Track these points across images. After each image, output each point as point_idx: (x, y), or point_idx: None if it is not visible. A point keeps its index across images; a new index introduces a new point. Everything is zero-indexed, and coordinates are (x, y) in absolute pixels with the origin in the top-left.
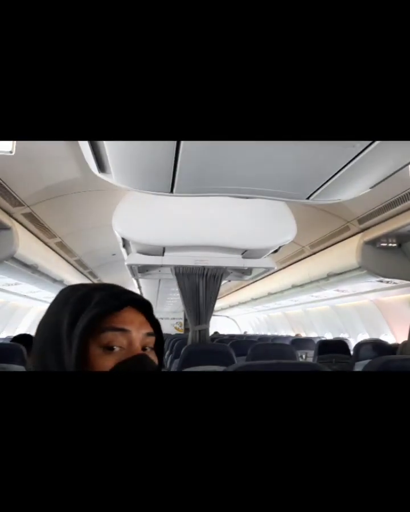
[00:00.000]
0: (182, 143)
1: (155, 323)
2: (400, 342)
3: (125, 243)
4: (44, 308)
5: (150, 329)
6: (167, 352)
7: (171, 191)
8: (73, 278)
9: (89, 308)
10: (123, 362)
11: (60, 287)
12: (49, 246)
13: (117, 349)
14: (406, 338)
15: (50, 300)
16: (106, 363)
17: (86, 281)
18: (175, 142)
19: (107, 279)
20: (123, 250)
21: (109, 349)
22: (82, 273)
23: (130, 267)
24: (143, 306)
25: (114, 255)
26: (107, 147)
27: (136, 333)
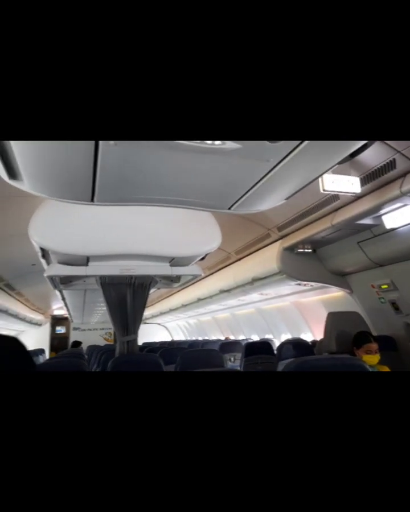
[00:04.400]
0: (100, 150)
1: None
2: (318, 339)
3: (44, 253)
4: None
5: None
6: (94, 366)
7: (92, 200)
8: None
9: None
10: None
11: None
12: None
13: None
14: (322, 336)
15: None
16: None
17: (1, 294)
18: (93, 149)
19: (27, 291)
20: (42, 261)
21: None
22: None
23: (51, 278)
24: None
25: (34, 265)
26: (17, 152)
27: None
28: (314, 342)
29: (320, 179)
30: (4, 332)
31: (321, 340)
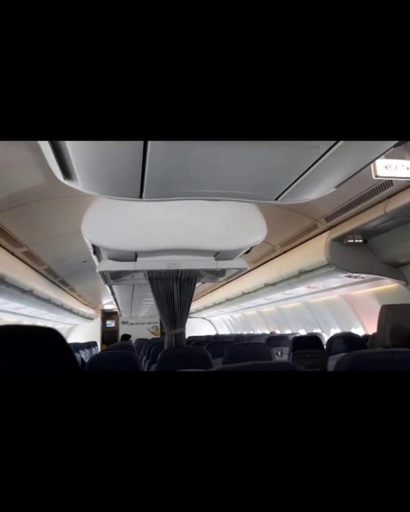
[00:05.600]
0: (149, 148)
1: None
2: (370, 333)
3: (96, 250)
4: (12, 320)
5: None
6: (144, 358)
7: (140, 196)
8: (43, 287)
9: None
10: None
11: (29, 298)
12: (15, 256)
13: None
14: (375, 330)
15: (19, 311)
16: None
17: (57, 290)
18: (142, 147)
19: (79, 287)
20: (94, 257)
21: None
22: (52, 282)
23: (102, 274)
24: None
25: (85, 262)
26: (72, 153)
27: None
28: (366, 337)
29: (372, 164)
30: (60, 326)
31: (374, 334)
